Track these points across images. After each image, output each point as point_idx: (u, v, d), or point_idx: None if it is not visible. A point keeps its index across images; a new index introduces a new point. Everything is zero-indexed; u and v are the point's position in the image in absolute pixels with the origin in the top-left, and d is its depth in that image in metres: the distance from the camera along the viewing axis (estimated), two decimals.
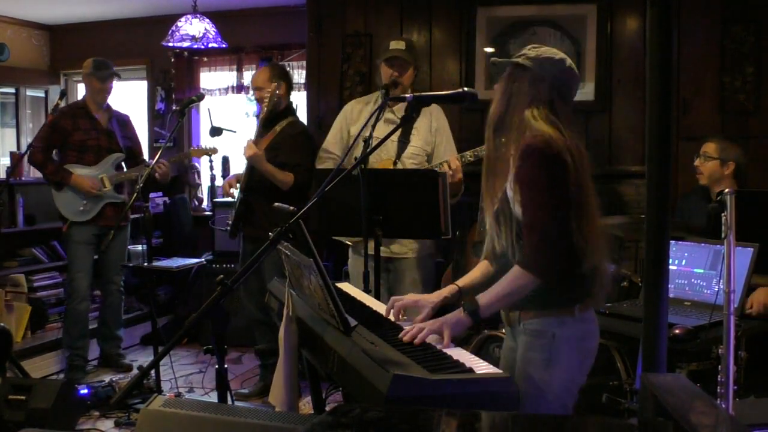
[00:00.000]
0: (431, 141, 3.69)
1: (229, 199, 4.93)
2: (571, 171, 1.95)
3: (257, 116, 4.12)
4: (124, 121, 4.78)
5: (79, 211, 4.50)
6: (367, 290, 3.03)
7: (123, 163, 4.70)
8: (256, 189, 4.02)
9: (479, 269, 2.25)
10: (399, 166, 3.64)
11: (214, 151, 4.63)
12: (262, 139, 4.09)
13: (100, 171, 4.54)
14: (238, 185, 4.22)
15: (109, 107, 4.69)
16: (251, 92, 5.34)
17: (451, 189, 3.42)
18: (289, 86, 4.25)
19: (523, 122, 2.02)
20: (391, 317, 2.19)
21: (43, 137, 4.51)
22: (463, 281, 2.25)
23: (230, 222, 4.18)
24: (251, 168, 3.99)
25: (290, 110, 4.26)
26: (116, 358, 4.83)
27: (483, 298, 2.00)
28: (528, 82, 2.05)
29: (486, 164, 2.16)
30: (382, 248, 3.44)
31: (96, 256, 4.65)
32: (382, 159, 3.66)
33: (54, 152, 4.60)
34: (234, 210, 4.15)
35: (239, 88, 6.09)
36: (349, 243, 3.73)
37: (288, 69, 4.52)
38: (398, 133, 3.62)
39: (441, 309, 2.21)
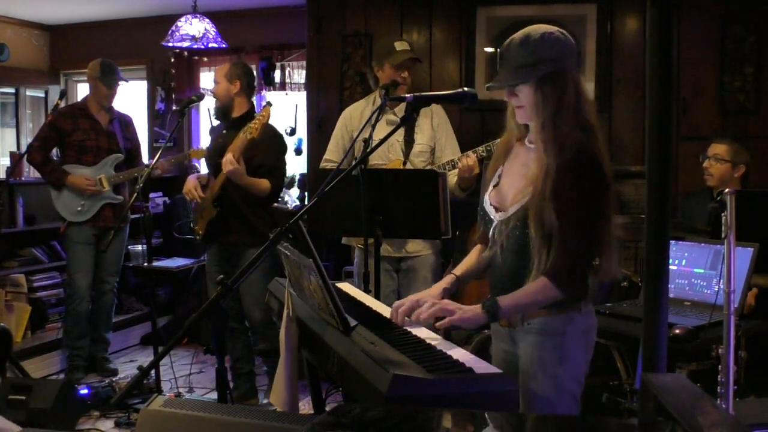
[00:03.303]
0: (433, 137, 3.72)
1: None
2: (610, 185, 1.96)
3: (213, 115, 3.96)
4: (126, 123, 4.79)
5: (77, 211, 4.51)
6: (367, 290, 3.03)
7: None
8: (231, 199, 3.85)
9: (474, 254, 2.25)
10: (408, 165, 3.66)
11: None
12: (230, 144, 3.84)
13: (98, 171, 4.55)
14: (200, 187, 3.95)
15: (111, 108, 4.70)
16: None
17: (465, 183, 3.54)
18: (249, 86, 4.07)
19: (564, 128, 1.95)
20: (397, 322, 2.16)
21: (42, 137, 4.53)
22: (460, 269, 2.24)
23: (198, 228, 3.98)
24: (226, 180, 3.78)
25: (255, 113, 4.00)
26: (102, 362, 4.76)
27: (505, 300, 1.95)
28: (558, 83, 1.97)
29: (505, 161, 2.16)
30: (395, 249, 3.62)
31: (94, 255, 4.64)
32: (390, 160, 3.68)
33: (55, 153, 4.61)
34: (201, 217, 3.96)
35: None
36: (360, 246, 3.64)
37: (249, 68, 4.25)
38: (402, 133, 3.64)
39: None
